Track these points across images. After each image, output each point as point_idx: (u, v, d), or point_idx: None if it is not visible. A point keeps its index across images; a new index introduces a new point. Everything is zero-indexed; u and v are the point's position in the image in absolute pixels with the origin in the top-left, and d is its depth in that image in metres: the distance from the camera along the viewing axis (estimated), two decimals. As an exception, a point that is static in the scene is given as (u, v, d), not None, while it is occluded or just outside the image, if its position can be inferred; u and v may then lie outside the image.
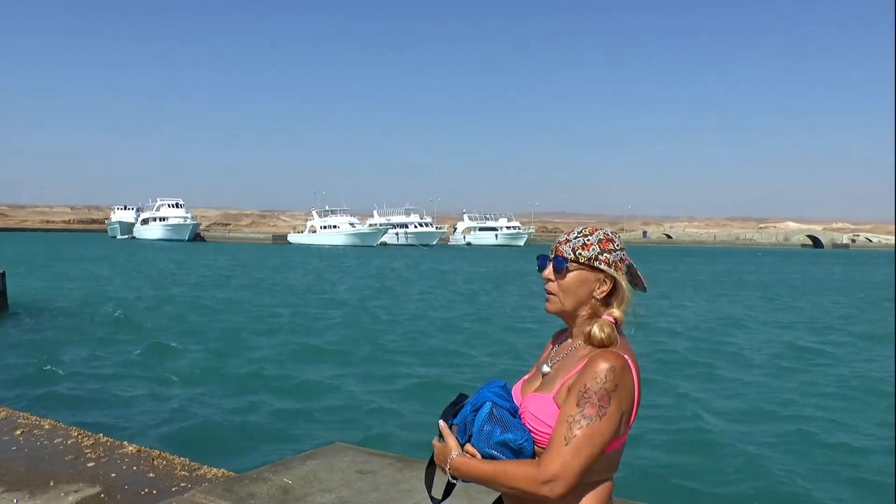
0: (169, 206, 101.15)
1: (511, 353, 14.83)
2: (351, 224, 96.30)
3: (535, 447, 1.65)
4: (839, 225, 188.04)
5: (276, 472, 4.34)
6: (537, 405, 1.68)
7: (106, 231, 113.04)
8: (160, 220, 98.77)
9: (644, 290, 1.79)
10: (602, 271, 1.72)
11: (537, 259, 1.83)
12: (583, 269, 1.73)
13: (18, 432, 5.63)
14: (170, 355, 13.68)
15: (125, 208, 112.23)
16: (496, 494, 1.78)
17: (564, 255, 1.74)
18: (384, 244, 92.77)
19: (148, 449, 5.36)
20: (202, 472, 4.81)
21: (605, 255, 1.72)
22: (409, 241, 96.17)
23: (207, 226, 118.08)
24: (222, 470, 4.90)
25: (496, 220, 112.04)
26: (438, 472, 1.77)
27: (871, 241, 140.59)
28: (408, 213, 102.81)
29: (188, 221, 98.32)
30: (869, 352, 16.16)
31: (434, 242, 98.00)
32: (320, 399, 10.63)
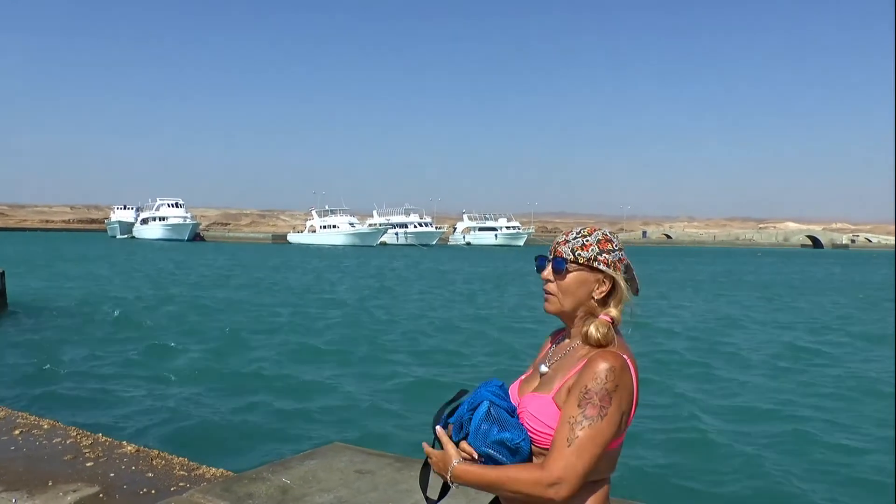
0: (168, 205, 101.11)
1: (509, 353, 14.83)
2: (350, 224, 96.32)
3: (533, 447, 1.65)
4: (839, 225, 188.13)
5: (274, 472, 4.35)
6: (536, 405, 1.68)
7: (105, 231, 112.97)
8: (160, 220, 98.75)
9: (636, 293, 1.78)
10: (601, 272, 1.72)
11: (536, 260, 1.83)
12: (582, 270, 1.73)
13: (17, 432, 5.63)
14: (169, 355, 13.68)
15: (125, 208, 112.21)
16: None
17: (564, 255, 1.75)
18: (384, 244, 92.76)
19: (147, 449, 5.36)
20: (201, 471, 4.81)
21: (604, 255, 1.73)
22: (409, 241, 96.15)
23: (207, 225, 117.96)
24: (221, 470, 4.91)
25: (496, 220, 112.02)
26: (434, 473, 1.77)
27: (870, 241, 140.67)
28: (407, 213, 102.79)
29: (188, 221, 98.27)
30: (867, 352, 16.17)
31: (434, 242, 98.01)
32: (319, 399, 10.64)
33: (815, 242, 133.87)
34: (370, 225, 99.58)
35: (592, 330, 1.68)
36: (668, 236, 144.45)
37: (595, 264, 1.72)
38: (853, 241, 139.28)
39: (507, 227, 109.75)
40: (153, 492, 4.42)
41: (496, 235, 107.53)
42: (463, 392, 1.80)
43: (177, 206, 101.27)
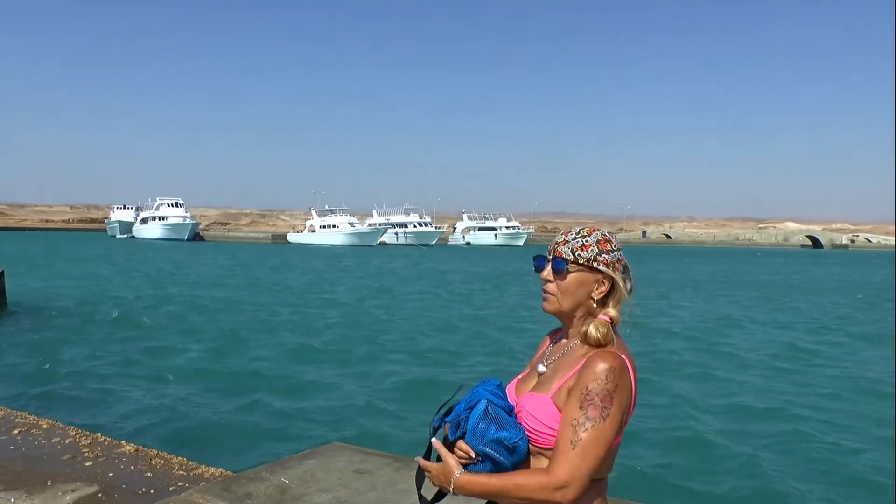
0: (168, 205, 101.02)
1: (508, 353, 14.83)
2: (350, 224, 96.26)
3: (531, 446, 1.65)
4: (839, 225, 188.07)
5: (273, 472, 4.35)
6: (534, 404, 1.68)
7: (105, 230, 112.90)
8: (159, 220, 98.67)
9: (629, 293, 1.77)
10: (601, 272, 1.73)
11: (534, 260, 1.84)
12: (582, 271, 1.73)
13: (16, 431, 5.63)
14: (168, 355, 13.68)
15: (124, 207, 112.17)
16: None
17: (563, 256, 1.75)
18: (383, 244, 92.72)
19: (146, 448, 5.36)
20: (200, 471, 4.81)
21: (603, 255, 1.73)
22: (409, 241, 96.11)
23: (207, 225, 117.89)
24: (220, 469, 4.91)
25: (495, 219, 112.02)
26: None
27: (870, 241, 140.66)
28: (407, 213, 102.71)
29: (187, 221, 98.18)
30: (865, 352, 16.17)
31: (433, 242, 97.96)
32: (318, 398, 10.64)
33: (815, 242, 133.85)
34: (370, 225, 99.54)
35: (592, 330, 1.69)
36: (668, 236, 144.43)
37: (595, 265, 1.72)
38: (853, 241, 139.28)
39: (507, 227, 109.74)
40: (152, 491, 4.42)
41: (496, 235, 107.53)
42: (461, 388, 1.80)
43: (176, 206, 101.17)
